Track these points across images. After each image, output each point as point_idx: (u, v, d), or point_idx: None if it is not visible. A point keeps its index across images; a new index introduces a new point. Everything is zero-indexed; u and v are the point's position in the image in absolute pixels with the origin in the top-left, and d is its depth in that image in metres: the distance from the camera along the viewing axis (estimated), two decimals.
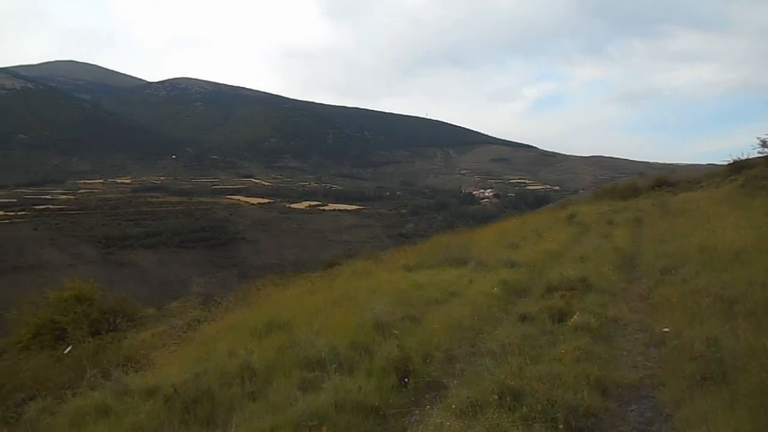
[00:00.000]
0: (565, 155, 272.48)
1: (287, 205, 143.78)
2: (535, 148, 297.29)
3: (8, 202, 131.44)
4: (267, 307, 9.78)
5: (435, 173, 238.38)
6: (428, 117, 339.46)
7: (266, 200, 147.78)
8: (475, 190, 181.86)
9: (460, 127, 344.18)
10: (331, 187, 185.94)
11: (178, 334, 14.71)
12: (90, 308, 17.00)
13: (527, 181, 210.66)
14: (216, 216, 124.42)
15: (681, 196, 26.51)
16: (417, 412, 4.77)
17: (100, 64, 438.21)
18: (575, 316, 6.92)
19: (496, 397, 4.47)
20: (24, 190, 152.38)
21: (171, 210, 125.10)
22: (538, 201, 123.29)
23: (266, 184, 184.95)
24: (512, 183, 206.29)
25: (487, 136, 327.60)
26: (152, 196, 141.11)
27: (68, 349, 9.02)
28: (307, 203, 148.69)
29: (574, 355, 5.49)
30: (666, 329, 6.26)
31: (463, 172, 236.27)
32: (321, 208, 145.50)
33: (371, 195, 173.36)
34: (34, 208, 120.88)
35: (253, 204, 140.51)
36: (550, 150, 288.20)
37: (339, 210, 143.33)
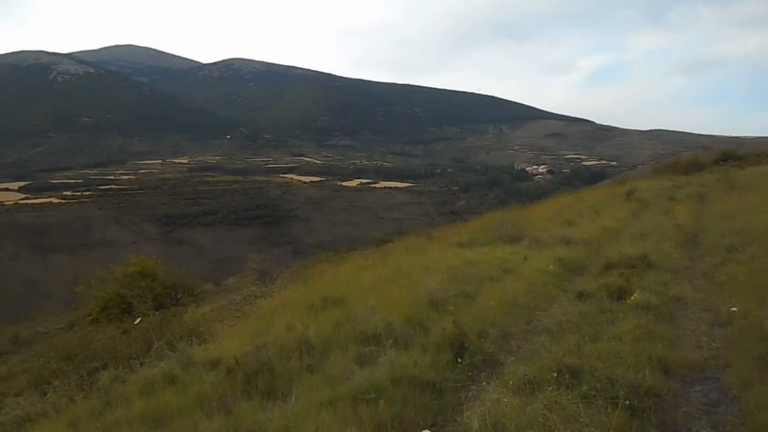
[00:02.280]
0: (622, 129, 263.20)
1: (339, 183, 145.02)
2: (590, 122, 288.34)
3: (75, 182, 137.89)
4: (322, 283, 9.95)
5: (487, 149, 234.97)
6: (479, 92, 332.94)
7: (318, 178, 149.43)
8: (528, 167, 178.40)
9: (512, 101, 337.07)
10: (382, 164, 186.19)
11: (237, 309, 15.17)
12: (153, 283, 17.67)
13: (582, 157, 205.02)
14: (269, 194, 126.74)
15: (748, 171, 25.27)
16: (473, 387, 4.77)
17: (156, 48, 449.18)
18: (635, 295, 6.74)
19: (554, 374, 4.43)
20: (89, 171, 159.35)
21: (226, 189, 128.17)
22: (594, 177, 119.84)
23: (318, 162, 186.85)
24: (567, 159, 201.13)
25: (540, 110, 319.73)
26: (208, 176, 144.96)
27: (137, 321, 9.44)
28: (358, 181, 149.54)
29: (635, 333, 5.36)
30: (734, 308, 6.03)
31: (515, 148, 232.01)
32: (372, 185, 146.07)
33: (422, 172, 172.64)
34: (99, 188, 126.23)
35: (305, 182, 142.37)
36: (607, 124, 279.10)
37: (390, 188, 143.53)
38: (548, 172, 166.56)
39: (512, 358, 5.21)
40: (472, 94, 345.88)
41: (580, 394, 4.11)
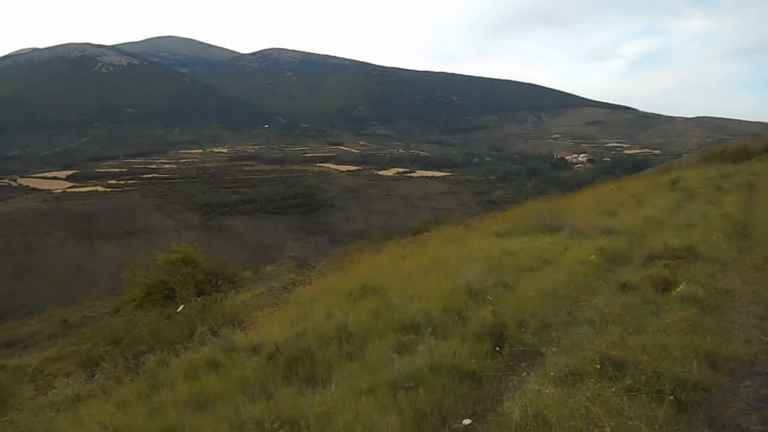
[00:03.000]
0: (667, 117, 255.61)
1: (375, 172, 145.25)
2: (633, 109, 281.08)
3: (119, 171, 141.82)
4: (360, 272, 9.99)
5: (525, 138, 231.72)
6: (518, 80, 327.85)
7: (355, 167, 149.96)
8: (567, 155, 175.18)
9: (552, 89, 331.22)
10: (418, 153, 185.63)
11: (276, 296, 15.37)
12: (195, 270, 18.02)
13: (624, 145, 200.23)
14: (307, 183, 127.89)
15: None
16: (513, 378, 4.73)
17: (197, 39, 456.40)
18: (681, 286, 6.55)
19: (597, 366, 4.35)
20: (132, 160, 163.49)
21: (265, 178, 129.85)
22: (636, 166, 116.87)
23: (355, 151, 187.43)
24: (608, 147, 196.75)
25: (581, 98, 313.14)
26: (247, 165, 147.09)
27: (181, 307, 9.67)
28: (395, 170, 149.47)
29: (681, 326, 5.22)
30: None
31: (555, 136, 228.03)
32: (409, 174, 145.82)
33: (459, 161, 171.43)
34: (142, 177, 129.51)
35: (342, 171, 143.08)
36: (651, 111, 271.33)
37: (427, 177, 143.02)
38: (588, 160, 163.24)
39: (554, 349, 5.14)
40: (511, 81, 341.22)
41: (624, 387, 4.03)
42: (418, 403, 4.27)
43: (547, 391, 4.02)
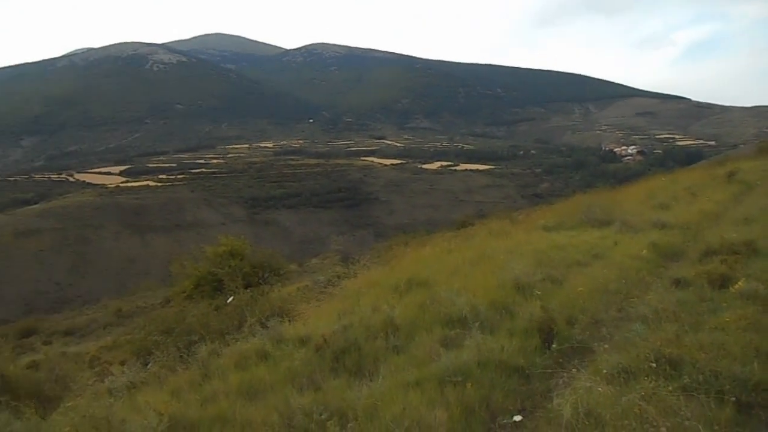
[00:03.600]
0: (722, 106, 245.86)
1: (419, 166, 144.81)
2: (686, 99, 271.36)
3: (169, 166, 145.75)
4: (406, 265, 9.99)
5: (572, 130, 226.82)
6: (565, 71, 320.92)
7: (398, 161, 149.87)
8: (616, 147, 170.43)
9: (600, 79, 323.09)
10: (462, 146, 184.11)
11: (321, 289, 15.54)
12: (242, 263, 18.32)
13: (677, 136, 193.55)
14: (351, 177, 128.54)
15: None
16: (563, 375, 4.65)
17: (243, 35, 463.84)
18: (740, 283, 6.30)
19: (652, 364, 4.22)
20: (182, 155, 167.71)
21: (309, 172, 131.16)
22: (689, 158, 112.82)
23: (398, 145, 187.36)
24: (659, 139, 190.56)
25: (630, 88, 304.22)
26: (292, 159, 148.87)
27: (231, 299, 9.88)
28: (438, 163, 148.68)
29: (740, 324, 5.01)
30: None
31: (603, 128, 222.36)
32: (452, 168, 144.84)
33: (504, 154, 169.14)
34: (191, 172, 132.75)
35: (385, 165, 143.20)
36: (705, 101, 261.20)
37: (471, 170, 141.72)
38: (638, 152, 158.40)
39: (605, 346, 5.02)
40: (558, 72, 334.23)
41: (681, 387, 3.91)
42: (465, 397, 4.25)
43: (599, 388, 3.93)
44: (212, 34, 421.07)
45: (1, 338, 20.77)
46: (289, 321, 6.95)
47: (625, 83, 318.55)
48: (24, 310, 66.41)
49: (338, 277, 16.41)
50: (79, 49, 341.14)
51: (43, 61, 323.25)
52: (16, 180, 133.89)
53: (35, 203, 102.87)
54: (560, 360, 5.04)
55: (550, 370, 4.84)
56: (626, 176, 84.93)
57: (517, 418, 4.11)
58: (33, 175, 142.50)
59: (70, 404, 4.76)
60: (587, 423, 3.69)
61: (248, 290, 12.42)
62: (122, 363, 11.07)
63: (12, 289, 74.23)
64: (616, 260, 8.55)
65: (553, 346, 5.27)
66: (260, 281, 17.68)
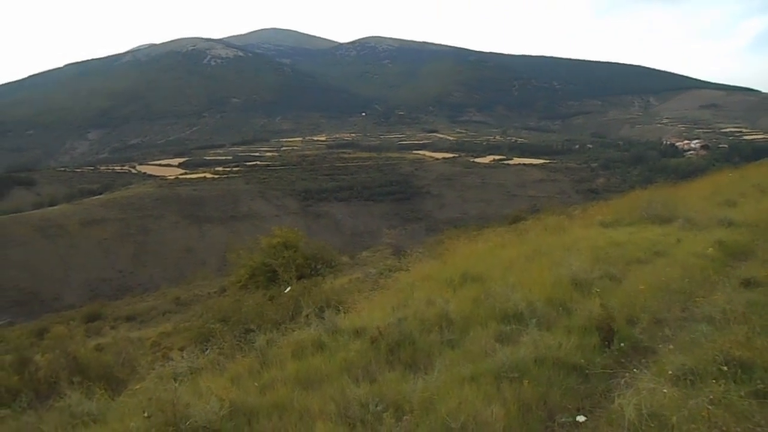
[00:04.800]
0: None
1: (471, 160, 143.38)
2: (755, 91, 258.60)
3: (225, 159, 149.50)
4: (459, 260, 9.92)
5: (631, 123, 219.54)
6: (624, 62, 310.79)
7: (450, 155, 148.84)
8: (678, 141, 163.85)
9: (661, 71, 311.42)
10: (516, 140, 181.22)
11: (373, 281, 15.62)
12: (295, 254, 18.57)
13: (744, 130, 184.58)
14: (402, 171, 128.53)
15: None
16: (625, 375, 4.52)
17: (298, 29, 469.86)
18: None
19: (721, 367, 4.05)
20: (237, 148, 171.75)
21: (361, 165, 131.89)
22: (757, 153, 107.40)
23: (450, 138, 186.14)
24: (724, 132, 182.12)
25: (694, 79, 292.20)
26: (344, 152, 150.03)
27: (288, 289, 10.05)
28: (491, 157, 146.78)
29: None
30: None
31: (664, 121, 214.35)
32: (505, 162, 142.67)
33: (559, 148, 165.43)
34: (246, 164, 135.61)
35: (437, 159, 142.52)
36: None
37: (524, 164, 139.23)
38: (702, 147, 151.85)
39: (670, 347, 4.86)
40: (616, 64, 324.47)
41: (752, 391, 3.73)
42: (522, 394, 4.20)
43: (664, 390, 3.81)
44: (268, 29, 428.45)
45: (71, 322, 21.87)
46: (344, 312, 7.01)
47: (688, 74, 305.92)
48: (89, 295, 69.64)
49: (390, 269, 16.46)
50: (142, 45, 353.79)
51: (109, 57, 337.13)
52: (82, 171, 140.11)
53: (100, 194, 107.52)
54: (621, 360, 4.91)
55: (610, 370, 4.72)
56: (688, 171, 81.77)
57: (581, 418, 4.02)
58: (98, 166, 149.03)
59: (138, 387, 4.97)
60: (651, 425, 3.57)
61: (301, 281, 12.60)
62: (181, 349, 11.45)
63: (78, 275, 77.96)
64: (679, 258, 8.25)
65: (613, 345, 5.14)
66: (313, 273, 17.90)
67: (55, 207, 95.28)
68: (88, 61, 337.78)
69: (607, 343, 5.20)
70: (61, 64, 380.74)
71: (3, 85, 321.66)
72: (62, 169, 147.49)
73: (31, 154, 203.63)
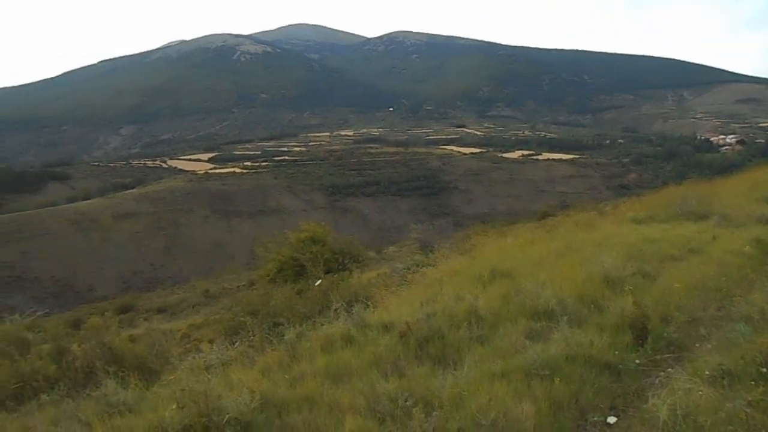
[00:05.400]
0: None
1: (499, 155, 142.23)
2: None
3: (254, 154, 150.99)
4: (488, 255, 9.85)
5: (664, 118, 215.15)
6: (657, 55, 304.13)
7: (478, 150, 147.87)
8: (713, 136, 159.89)
9: (696, 64, 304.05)
10: (545, 135, 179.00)
11: (400, 276, 15.61)
12: (323, 249, 18.66)
13: None
14: (430, 166, 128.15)
15: None
16: (659, 374, 4.43)
17: (326, 25, 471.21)
18: None
19: (763, 369, 3.93)
20: (266, 143, 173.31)
21: (388, 160, 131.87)
22: None
23: (478, 133, 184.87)
24: (762, 127, 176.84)
25: (730, 72, 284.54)
26: (371, 147, 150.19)
27: (318, 283, 10.11)
28: (519, 152, 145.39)
29: None
30: None
31: (698, 115, 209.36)
32: (534, 157, 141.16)
33: (589, 143, 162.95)
34: (274, 159, 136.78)
35: (465, 154, 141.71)
36: None
37: (553, 159, 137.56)
38: (738, 142, 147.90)
39: (708, 346, 4.75)
40: (649, 57, 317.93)
41: None
42: (553, 392, 4.15)
43: (700, 390, 3.72)
44: (296, 25, 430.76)
45: (105, 313, 22.37)
46: (372, 307, 7.03)
47: (724, 68, 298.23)
48: (122, 287, 71.20)
49: (417, 265, 16.43)
50: (172, 42, 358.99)
51: (140, 53, 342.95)
52: (115, 166, 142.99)
53: (132, 188, 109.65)
54: (655, 359, 4.81)
55: (643, 369, 4.64)
56: (724, 167, 79.82)
57: (612, 419, 3.96)
58: (130, 161, 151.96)
59: (172, 377, 5.06)
60: (685, 426, 3.50)
61: (329, 276, 12.65)
62: (211, 341, 11.61)
63: (111, 268, 79.68)
64: (714, 256, 8.05)
65: (647, 343, 5.05)
66: (340, 267, 17.97)
67: (89, 201, 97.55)
68: (120, 57, 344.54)
69: (640, 341, 5.11)
70: (94, 61, 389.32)
71: (38, 81, 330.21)
72: (96, 163, 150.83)
73: (66, 149, 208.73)
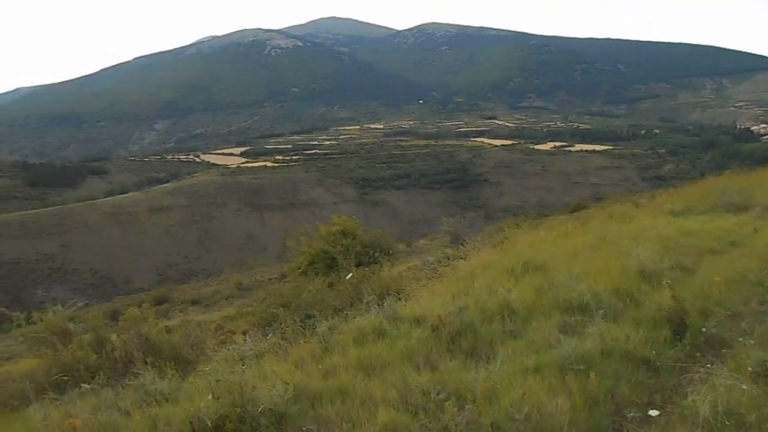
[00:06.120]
0: None
1: (531, 146, 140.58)
2: None
3: (285, 147, 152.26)
4: (520, 248, 9.75)
5: (702, 107, 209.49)
6: (695, 43, 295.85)
7: (509, 142, 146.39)
8: (754, 125, 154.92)
9: (736, 51, 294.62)
10: (578, 126, 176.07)
11: (431, 269, 15.59)
12: (354, 242, 18.73)
13: None
14: (460, 158, 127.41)
15: None
16: (699, 370, 4.33)
17: (356, 18, 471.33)
18: None
19: None
20: (297, 137, 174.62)
21: (418, 153, 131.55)
22: None
23: (510, 125, 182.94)
24: None
25: None
26: (402, 140, 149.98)
27: (349, 276, 10.15)
28: (551, 144, 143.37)
29: None
30: None
31: (738, 104, 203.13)
32: (567, 148, 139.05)
33: (624, 134, 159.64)
34: (305, 153, 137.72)
35: (496, 146, 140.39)
36: None
37: (586, 150, 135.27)
38: None
39: (751, 341, 4.62)
40: (687, 45, 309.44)
41: None
42: (589, 387, 4.08)
43: (743, 386, 3.62)
44: (326, 18, 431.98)
45: (142, 305, 22.91)
46: (404, 300, 7.03)
47: (766, 54, 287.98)
48: (157, 279, 72.85)
49: (448, 258, 16.38)
50: (206, 37, 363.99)
51: (174, 49, 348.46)
52: (150, 160, 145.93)
53: (167, 182, 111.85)
54: (694, 354, 4.71)
55: (682, 364, 4.53)
56: (765, 157, 77.51)
57: (654, 412, 3.88)
58: (165, 155, 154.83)
59: (208, 368, 5.15)
60: (728, 423, 3.41)
61: (359, 269, 12.69)
62: (244, 333, 11.78)
63: (147, 260, 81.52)
64: (757, 248, 7.82)
65: (685, 338, 4.93)
66: (371, 260, 18.01)
67: (125, 195, 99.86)
68: (155, 54, 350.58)
69: (678, 336, 5.01)
70: (130, 58, 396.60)
71: (78, 78, 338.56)
72: (132, 158, 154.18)
73: (103, 144, 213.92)
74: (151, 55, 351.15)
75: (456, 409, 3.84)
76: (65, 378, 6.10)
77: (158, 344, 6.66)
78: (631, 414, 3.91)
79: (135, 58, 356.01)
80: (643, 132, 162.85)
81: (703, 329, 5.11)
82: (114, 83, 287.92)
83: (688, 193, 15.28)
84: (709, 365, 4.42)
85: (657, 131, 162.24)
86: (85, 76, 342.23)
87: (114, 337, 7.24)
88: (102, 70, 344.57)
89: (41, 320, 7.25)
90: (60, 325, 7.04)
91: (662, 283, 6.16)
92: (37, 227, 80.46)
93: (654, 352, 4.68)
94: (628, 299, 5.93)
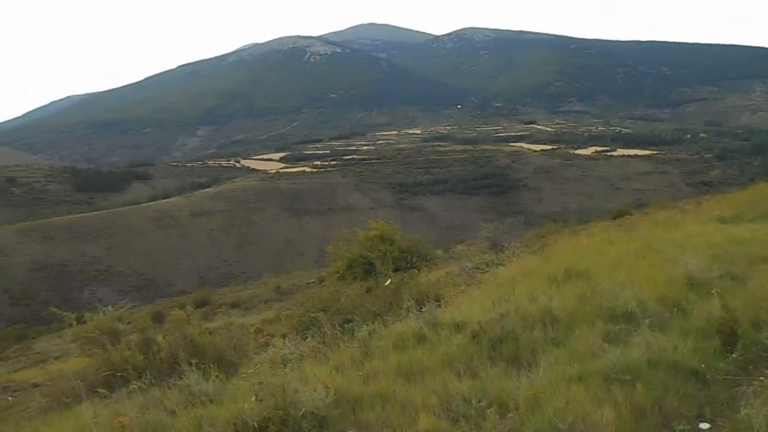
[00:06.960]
0: None
1: (571, 151, 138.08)
2: None
3: (324, 153, 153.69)
4: (562, 255, 9.61)
5: (751, 110, 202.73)
6: (744, 44, 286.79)
7: (549, 147, 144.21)
8: None
9: None
10: (620, 130, 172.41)
11: (469, 275, 15.46)
12: (391, 247, 18.75)
13: None
14: (498, 163, 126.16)
15: None
16: (753, 382, 4.18)
17: (394, 24, 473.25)
18: None
19: None
20: (335, 143, 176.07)
21: (456, 158, 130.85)
22: None
23: (549, 130, 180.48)
24: None
25: None
26: (439, 145, 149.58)
27: (389, 281, 10.17)
28: (592, 149, 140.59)
29: None
30: None
31: None
32: (608, 153, 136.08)
33: (668, 138, 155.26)
34: (343, 158, 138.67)
35: (535, 151, 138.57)
36: None
37: (629, 155, 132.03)
38: None
39: None
40: (735, 46, 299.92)
41: None
42: (635, 397, 3.99)
43: None
44: (365, 24, 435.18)
45: (186, 307, 23.38)
46: (443, 306, 7.00)
47: None
48: (198, 282, 74.23)
49: (487, 264, 16.22)
50: (246, 45, 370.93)
51: (216, 57, 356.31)
52: (192, 166, 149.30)
53: (208, 187, 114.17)
54: (746, 367, 4.55)
55: (733, 377, 4.39)
56: None
57: (705, 425, 3.76)
58: (206, 161, 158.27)
59: (251, 371, 5.23)
60: None
61: (397, 274, 12.69)
62: (283, 336, 11.90)
63: (189, 263, 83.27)
64: None
65: (737, 350, 4.77)
66: (408, 266, 17.98)
67: (168, 199, 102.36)
68: (197, 62, 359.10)
69: (729, 347, 4.85)
70: (173, 66, 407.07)
71: (123, 87, 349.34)
72: (174, 164, 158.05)
73: (148, 150, 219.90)
74: (194, 62, 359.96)
75: (498, 417, 3.80)
76: (113, 377, 6.28)
77: (202, 346, 6.80)
78: (680, 427, 3.80)
79: (178, 66, 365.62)
80: (688, 136, 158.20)
81: (756, 340, 4.93)
82: (158, 91, 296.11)
83: (736, 200, 14.80)
84: (762, 378, 4.27)
85: (703, 135, 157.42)
86: (131, 84, 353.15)
87: (160, 338, 7.42)
88: (147, 78, 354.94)
89: (92, 320, 7.48)
90: (110, 326, 7.26)
91: (711, 292, 5.98)
92: (84, 231, 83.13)
93: (703, 363, 4.55)
94: (675, 308, 5.78)
